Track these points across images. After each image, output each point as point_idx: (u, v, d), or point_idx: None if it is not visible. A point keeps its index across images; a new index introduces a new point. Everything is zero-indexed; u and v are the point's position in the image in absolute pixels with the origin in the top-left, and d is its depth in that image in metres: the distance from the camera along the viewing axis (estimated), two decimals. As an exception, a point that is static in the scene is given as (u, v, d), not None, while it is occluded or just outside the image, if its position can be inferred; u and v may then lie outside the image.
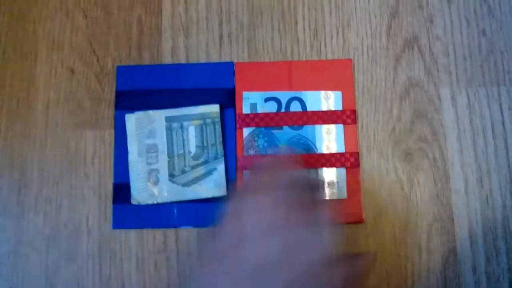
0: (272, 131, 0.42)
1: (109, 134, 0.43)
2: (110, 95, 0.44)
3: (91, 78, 0.44)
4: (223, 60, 0.44)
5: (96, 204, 0.42)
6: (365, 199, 0.41)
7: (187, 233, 0.41)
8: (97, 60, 0.44)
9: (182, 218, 0.41)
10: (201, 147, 0.42)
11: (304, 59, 0.44)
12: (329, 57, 0.44)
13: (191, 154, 0.42)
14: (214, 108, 0.42)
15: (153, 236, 0.41)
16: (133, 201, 0.41)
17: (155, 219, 0.41)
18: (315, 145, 0.42)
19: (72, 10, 0.45)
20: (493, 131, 0.42)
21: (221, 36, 0.45)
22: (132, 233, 0.41)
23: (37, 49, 0.45)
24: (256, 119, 0.42)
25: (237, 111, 0.42)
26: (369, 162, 0.42)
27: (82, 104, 0.44)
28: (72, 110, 0.44)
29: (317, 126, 0.42)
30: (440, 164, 0.42)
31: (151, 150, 0.42)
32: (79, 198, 0.42)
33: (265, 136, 0.42)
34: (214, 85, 0.43)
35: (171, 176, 0.42)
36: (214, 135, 0.42)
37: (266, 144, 0.42)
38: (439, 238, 0.41)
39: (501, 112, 0.42)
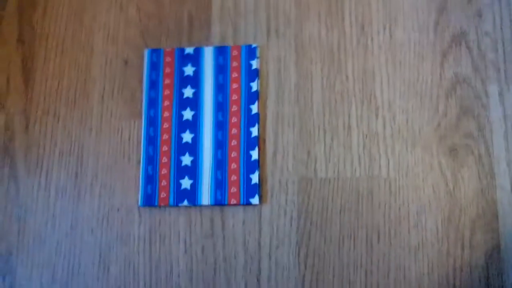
0: None
1: (160, 124, 0.44)
2: (161, 86, 0.44)
3: (144, 69, 0.45)
4: (270, 54, 0.44)
5: (147, 190, 0.43)
6: (408, 193, 0.40)
7: (233, 219, 0.41)
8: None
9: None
10: None
11: (350, 53, 0.43)
12: (375, 51, 0.43)
13: None
14: None
15: (200, 222, 0.42)
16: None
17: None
18: None
19: (126, 4, 0.46)
20: (542, 129, 0.40)
21: (268, 31, 0.44)
22: (181, 219, 0.42)
23: (93, 41, 0.46)
24: None
25: None
26: (413, 157, 0.41)
27: (135, 95, 0.44)
28: (125, 100, 0.45)
29: None
30: (486, 160, 0.40)
31: None
32: (132, 184, 0.43)
33: None
34: None
35: None
36: None
37: None
38: (483, 234, 0.39)
39: (551, 110, 0.41)
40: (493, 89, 0.41)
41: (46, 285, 0.42)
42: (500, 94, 0.41)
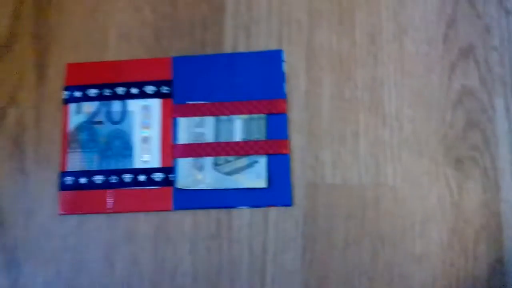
0: (94, 125, 0.43)
1: (170, 125, 0.43)
2: (172, 87, 0.44)
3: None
4: (283, 60, 0.43)
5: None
6: (413, 202, 0.40)
7: (240, 221, 0.41)
8: (162, 54, 0.45)
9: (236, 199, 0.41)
10: (247, 130, 0.42)
11: (360, 61, 0.43)
12: (385, 61, 0.43)
13: (237, 137, 0.42)
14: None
15: (206, 223, 0.41)
16: (178, 185, 0.41)
17: (211, 201, 0.41)
18: (131, 138, 0.42)
19: (142, 5, 0.46)
20: (547, 144, 0.40)
21: (280, 38, 0.44)
22: (187, 218, 0.41)
23: (107, 39, 0.45)
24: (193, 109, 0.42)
25: None
26: (420, 166, 0.41)
27: (146, 95, 0.44)
28: (136, 100, 0.44)
29: (135, 120, 0.43)
30: (491, 173, 0.40)
31: (199, 138, 0.42)
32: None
33: (87, 130, 0.43)
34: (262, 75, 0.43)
35: (216, 164, 0.42)
36: (259, 119, 0.42)
37: (87, 138, 0.43)
38: (486, 246, 0.39)
39: (556, 126, 0.40)
40: (499, 103, 0.41)
41: (51, 280, 0.41)
42: (506, 108, 0.41)
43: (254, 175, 0.41)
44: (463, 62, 0.42)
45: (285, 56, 0.43)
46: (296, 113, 0.42)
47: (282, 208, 0.41)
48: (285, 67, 0.43)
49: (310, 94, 0.42)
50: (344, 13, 0.44)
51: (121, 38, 0.45)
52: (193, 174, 0.41)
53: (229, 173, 0.41)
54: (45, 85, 0.44)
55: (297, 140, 0.42)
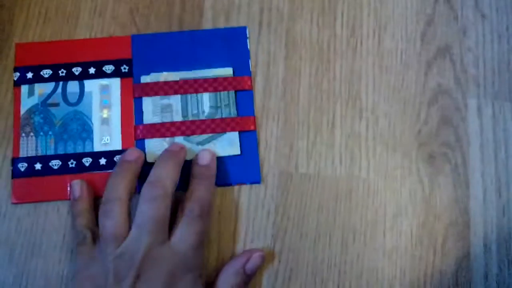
0: (49, 107, 0.41)
1: (141, 105, 0.42)
2: (145, 67, 0.43)
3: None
4: (260, 47, 0.43)
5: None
6: (386, 196, 0.40)
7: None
8: (137, 31, 0.43)
9: None
10: (215, 107, 0.41)
11: (339, 53, 0.43)
12: (364, 54, 0.43)
13: (205, 114, 0.41)
14: (228, 71, 0.42)
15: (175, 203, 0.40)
16: (149, 159, 0.40)
17: None
18: (91, 120, 0.41)
19: (117, -19, 0.44)
20: (515, 145, 0.42)
21: (260, 24, 0.44)
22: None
23: (79, 13, 0.44)
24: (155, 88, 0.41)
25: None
26: (393, 160, 0.41)
27: (118, 73, 0.43)
28: (106, 78, 0.43)
29: (94, 100, 0.41)
30: (461, 170, 0.41)
31: (166, 109, 0.41)
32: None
33: (41, 113, 0.41)
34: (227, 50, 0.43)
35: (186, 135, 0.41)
36: (228, 96, 0.41)
37: (42, 121, 0.41)
38: (454, 242, 0.40)
39: (525, 128, 0.42)
40: (472, 103, 0.42)
41: (2, 265, 0.38)
42: (478, 108, 0.42)
43: (227, 143, 0.41)
44: (440, 61, 0.43)
45: (264, 43, 0.43)
46: (273, 101, 0.42)
47: (253, 196, 0.40)
48: (260, 52, 0.43)
49: (288, 83, 0.42)
50: (326, 4, 0.44)
51: (94, 12, 0.43)
52: (163, 146, 0.40)
53: (201, 143, 0.40)
54: (8, 55, 0.42)
55: (272, 128, 0.41)
